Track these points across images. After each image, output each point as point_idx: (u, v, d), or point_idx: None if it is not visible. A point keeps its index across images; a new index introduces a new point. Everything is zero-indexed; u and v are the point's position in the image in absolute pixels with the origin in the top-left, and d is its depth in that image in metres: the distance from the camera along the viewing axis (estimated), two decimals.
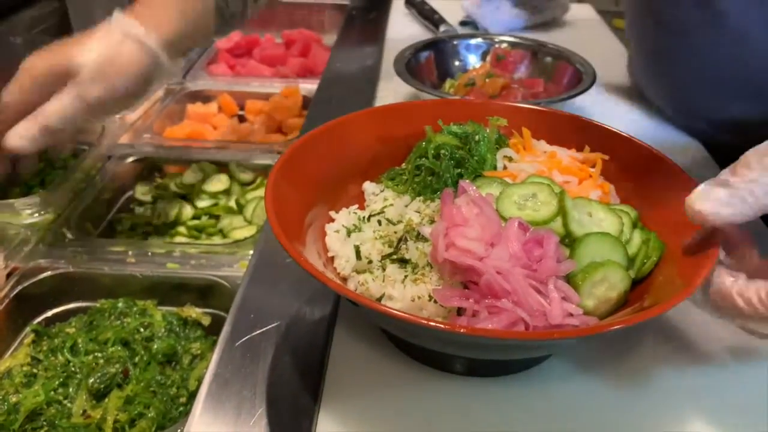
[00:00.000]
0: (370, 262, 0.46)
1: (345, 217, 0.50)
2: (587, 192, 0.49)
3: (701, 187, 0.38)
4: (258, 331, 0.50)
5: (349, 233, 0.48)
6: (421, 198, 0.50)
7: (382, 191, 0.53)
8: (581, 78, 0.77)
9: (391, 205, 0.50)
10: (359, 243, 0.47)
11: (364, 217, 0.49)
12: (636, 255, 0.44)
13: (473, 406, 0.43)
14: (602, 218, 0.45)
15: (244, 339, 0.49)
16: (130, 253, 0.73)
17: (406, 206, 0.50)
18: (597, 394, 0.44)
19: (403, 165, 0.54)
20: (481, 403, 0.43)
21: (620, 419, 0.42)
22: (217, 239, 0.85)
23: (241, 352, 0.48)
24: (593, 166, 0.52)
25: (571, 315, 0.38)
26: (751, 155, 0.36)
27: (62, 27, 1.34)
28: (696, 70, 0.69)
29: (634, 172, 0.51)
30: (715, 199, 0.36)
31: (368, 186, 0.54)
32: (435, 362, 0.45)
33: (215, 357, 0.48)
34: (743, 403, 0.44)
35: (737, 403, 0.44)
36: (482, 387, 0.44)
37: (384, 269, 0.45)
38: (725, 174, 0.37)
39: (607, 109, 0.83)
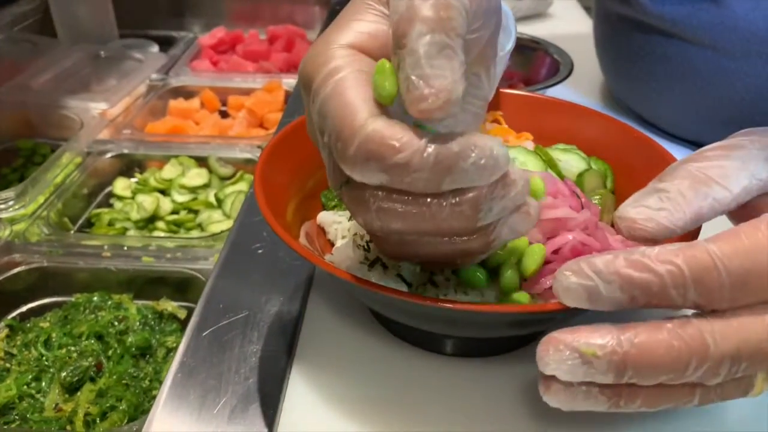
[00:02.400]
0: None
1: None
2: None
3: (630, 198, 0.35)
4: (226, 321, 0.49)
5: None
6: None
7: (350, 218, 0.47)
8: (559, 69, 0.77)
9: None
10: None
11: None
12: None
13: (457, 384, 0.42)
14: (523, 161, 0.46)
15: (212, 329, 0.49)
16: (105, 247, 0.73)
17: None
18: None
19: None
20: (460, 381, 0.42)
21: None
22: (195, 233, 0.84)
23: (208, 342, 0.48)
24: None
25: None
26: (677, 163, 0.34)
27: (44, 24, 1.33)
28: (670, 103, 0.67)
29: (607, 148, 0.51)
30: (647, 206, 0.33)
31: (325, 217, 0.48)
32: (426, 343, 0.44)
33: (182, 347, 0.47)
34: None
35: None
36: (466, 366, 0.43)
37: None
38: (652, 183, 0.34)
39: (588, 102, 0.83)
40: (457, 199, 0.27)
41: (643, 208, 0.33)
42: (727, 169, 0.32)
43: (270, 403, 0.43)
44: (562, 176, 0.46)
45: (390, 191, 0.28)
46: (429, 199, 0.27)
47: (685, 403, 0.29)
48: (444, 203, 0.27)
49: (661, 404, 0.28)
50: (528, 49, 0.85)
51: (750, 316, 0.27)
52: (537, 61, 0.83)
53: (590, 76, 0.89)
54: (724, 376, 0.27)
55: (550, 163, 0.47)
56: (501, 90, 0.54)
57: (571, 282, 0.28)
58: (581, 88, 0.87)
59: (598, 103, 0.84)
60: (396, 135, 0.26)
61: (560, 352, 0.27)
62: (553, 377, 0.28)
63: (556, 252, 0.39)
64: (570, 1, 1.33)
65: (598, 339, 0.27)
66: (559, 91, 0.79)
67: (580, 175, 0.45)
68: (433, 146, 0.26)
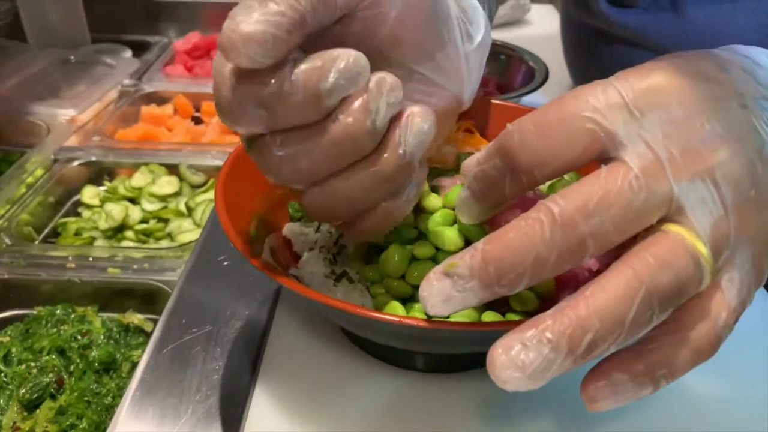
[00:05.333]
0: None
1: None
2: None
3: None
4: (189, 336, 0.48)
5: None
6: None
7: (317, 230, 0.44)
8: (534, 76, 0.77)
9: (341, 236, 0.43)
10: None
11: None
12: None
13: (428, 401, 0.41)
14: None
15: (174, 344, 0.47)
16: (70, 258, 0.70)
17: None
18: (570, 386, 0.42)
19: None
20: (431, 397, 0.41)
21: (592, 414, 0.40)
22: (165, 243, 0.82)
23: (169, 358, 0.46)
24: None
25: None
26: None
27: (14, 28, 1.30)
28: None
29: None
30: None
31: (292, 228, 0.46)
32: (395, 359, 0.43)
33: (142, 363, 0.45)
34: (741, 395, 0.42)
35: (732, 396, 0.42)
36: (437, 382, 0.42)
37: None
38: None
39: None
40: (345, 107, 0.28)
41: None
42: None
43: (232, 423, 0.41)
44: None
45: (285, 132, 0.29)
46: (319, 123, 0.28)
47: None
48: (335, 120, 0.28)
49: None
50: (503, 56, 0.84)
51: (588, 179, 0.26)
52: (512, 68, 0.82)
53: (565, 84, 0.89)
54: (590, 231, 0.25)
55: None
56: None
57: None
58: (556, 95, 0.86)
59: None
60: (261, 71, 0.27)
61: (429, 280, 0.27)
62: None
63: None
64: (547, 7, 1.33)
65: (458, 256, 0.27)
66: (535, 99, 0.79)
67: (552, 186, 0.44)
68: (298, 68, 0.27)
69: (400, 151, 0.30)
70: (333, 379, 0.42)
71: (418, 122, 0.30)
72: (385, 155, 0.30)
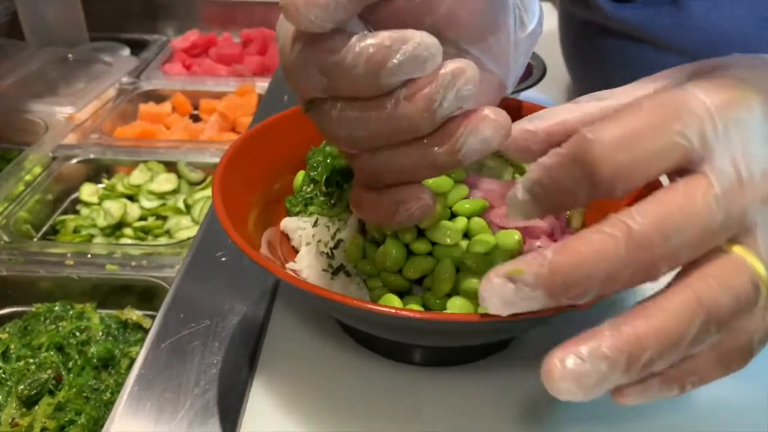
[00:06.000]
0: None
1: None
2: None
3: None
4: (187, 331, 0.48)
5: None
6: None
7: (314, 224, 0.45)
8: (531, 71, 0.77)
9: (339, 230, 0.44)
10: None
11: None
12: None
13: (427, 395, 0.41)
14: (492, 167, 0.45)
15: (171, 339, 0.47)
16: (68, 255, 0.71)
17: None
18: None
19: (306, 187, 0.47)
20: (430, 391, 0.41)
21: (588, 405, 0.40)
22: (163, 240, 0.82)
23: (167, 353, 0.46)
24: None
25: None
26: None
27: (13, 27, 1.30)
28: None
29: None
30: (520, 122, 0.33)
31: (289, 223, 0.46)
32: (393, 353, 0.43)
33: (140, 359, 0.45)
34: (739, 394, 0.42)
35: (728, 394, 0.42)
36: (435, 376, 0.42)
37: None
38: None
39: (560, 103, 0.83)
40: (408, 91, 0.28)
41: (515, 124, 0.32)
42: (625, 88, 0.32)
43: (230, 417, 0.41)
44: None
45: (346, 100, 0.28)
46: (382, 99, 0.28)
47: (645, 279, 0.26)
48: (396, 99, 0.28)
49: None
50: None
51: (665, 195, 0.25)
52: None
53: (563, 80, 0.89)
54: (665, 252, 0.24)
55: (519, 170, 0.46)
56: None
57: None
58: (553, 91, 0.86)
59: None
60: (331, 36, 0.27)
61: (490, 281, 0.27)
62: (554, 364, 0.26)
63: None
64: (546, 3, 1.33)
65: (522, 260, 0.26)
66: (532, 95, 0.79)
67: None
68: (364, 42, 0.27)
69: (457, 143, 0.29)
70: (331, 373, 0.42)
71: (487, 132, 0.29)
72: (441, 149, 0.30)
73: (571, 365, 0.24)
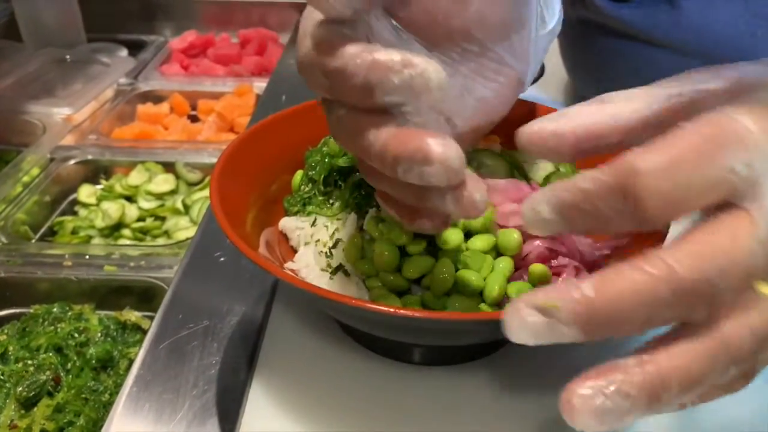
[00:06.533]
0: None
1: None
2: None
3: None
4: (185, 332, 0.48)
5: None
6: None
7: (313, 224, 0.44)
8: None
9: (337, 229, 0.43)
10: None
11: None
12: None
13: (426, 394, 0.41)
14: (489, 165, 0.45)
15: (170, 340, 0.47)
16: (66, 256, 0.70)
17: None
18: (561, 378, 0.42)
19: (304, 187, 0.47)
20: (429, 390, 0.41)
21: None
22: (162, 241, 0.82)
23: (166, 354, 0.46)
24: None
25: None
26: None
27: (10, 28, 1.30)
28: None
29: None
30: (543, 121, 0.31)
31: (288, 223, 0.46)
32: (393, 352, 0.43)
33: (138, 360, 0.45)
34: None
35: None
36: (434, 375, 0.42)
37: None
38: None
39: (558, 105, 0.83)
40: (397, 118, 0.28)
41: (539, 123, 0.31)
42: (633, 92, 0.31)
43: (229, 418, 0.41)
44: (529, 180, 0.45)
45: (348, 106, 0.29)
46: (377, 116, 0.28)
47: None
48: (387, 117, 0.28)
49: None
50: None
51: (708, 233, 0.24)
52: None
53: (560, 78, 0.89)
54: (707, 297, 0.24)
55: (517, 167, 0.46)
56: None
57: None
58: (551, 90, 0.86)
59: (568, 105, 0.83)
60: (340, 40, 0.27)
61: (519, 311, 0.25)
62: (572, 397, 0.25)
63: (523, 258, 0.38)
64: None
65: (557, 293, 0.25)
66: (529, 93, 0.79)
67: (547, 179, 0.44)
68: (369, 55, 0.27)
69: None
70: (330, 373, 0.42)
71: (473, 200, 0.29)
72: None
73: (593, 401, 0.24)
